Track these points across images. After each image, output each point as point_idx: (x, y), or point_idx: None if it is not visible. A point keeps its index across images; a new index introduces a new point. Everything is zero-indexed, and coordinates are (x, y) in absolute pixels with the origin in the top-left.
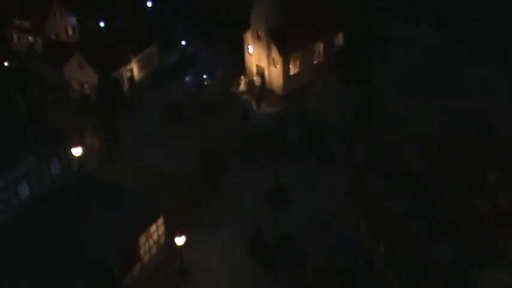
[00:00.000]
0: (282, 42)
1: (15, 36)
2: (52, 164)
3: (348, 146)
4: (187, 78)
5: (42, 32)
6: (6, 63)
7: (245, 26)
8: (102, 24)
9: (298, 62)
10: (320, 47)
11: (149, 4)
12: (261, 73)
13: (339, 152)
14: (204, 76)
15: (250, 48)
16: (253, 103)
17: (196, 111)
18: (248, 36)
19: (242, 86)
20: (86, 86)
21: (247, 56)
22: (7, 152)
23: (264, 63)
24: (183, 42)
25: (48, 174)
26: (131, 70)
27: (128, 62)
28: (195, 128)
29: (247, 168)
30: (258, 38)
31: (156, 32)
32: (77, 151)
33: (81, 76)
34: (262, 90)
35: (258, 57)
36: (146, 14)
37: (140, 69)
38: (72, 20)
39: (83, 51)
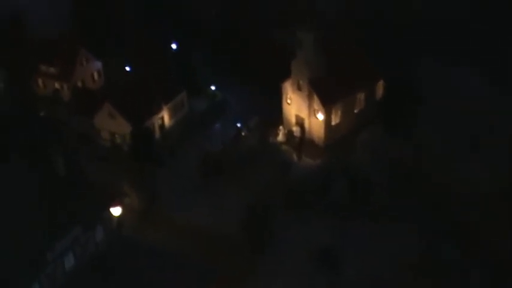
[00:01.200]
0: (324, 93)
1: (40, 82)
2: (96, 229)
3: (398, 201)
4: (219, 126)
5: (68, 79)
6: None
7: (276, 71)
8: (128, 68)
9: (339, 113)
10: (361, 96)
11: (174, 46)
12: (300, 123)
13: (388, 208)
14: (238, 125)
15: (289, 98)
16: (293, 154)
17: (233, 162)
18: (287, 86)
19: (280, 136)
20: (116, 136)
21: (285, 105)
22: (53, 224)
23: (304, 114)
24: (213, 87)
25: (93, 240)
26: (162, 118)
27: (160, 110)
28: (234, 180)
29: (293, 224)
30: (299, 88)
31: (184, 77)
32: (116, 211)
33: (112, 126)
34: (302, 141)
35: (298, 108)
36: (172, 57)
37: (170, 116)
38: (98, 65)
39: (114, 101)
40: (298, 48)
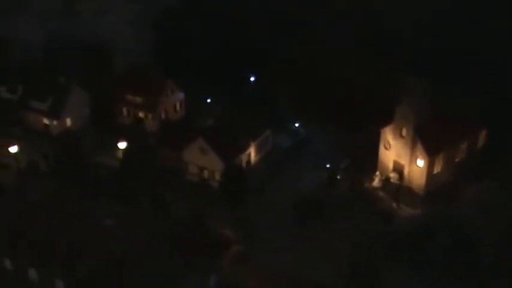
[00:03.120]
0: (429, 141)
1: (125, 110)
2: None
3: (506, 264)
4: (305, 165)
5: (153, 109)
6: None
7: (364, 112)
8: (208, 100)
9: (441, 161)
10: (464, 145)
11: (252, 79)
12: (399, 170)
13: (495, 270)
14: (327, 165)
15: (388, 144)
16: (390, 202)
17: (329, 206)
18: (387, 131)
19: (376, 182)
20: (205, 172)
21: (382, 150)
22: (170, 271)
23: (404, 161)
24: (296, 124)
25: None
26: (249, 155)
27: (248, 146)
28: (331, 226)
29: (392, 278)
30: (401, 135)
31: (267, 111)
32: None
33: (203, 161)
34: (400, 188)
35: (398, 154)
36: (251, 90)
37: (256, 153)
38: (181, 96)
39: (207, 136)
40: (406, 94)
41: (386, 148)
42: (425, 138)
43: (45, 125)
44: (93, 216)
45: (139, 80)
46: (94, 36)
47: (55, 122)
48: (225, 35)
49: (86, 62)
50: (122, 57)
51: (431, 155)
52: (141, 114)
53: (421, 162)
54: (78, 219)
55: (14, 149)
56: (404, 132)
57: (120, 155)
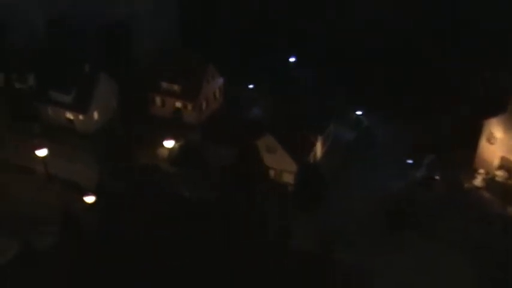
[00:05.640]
0: None
1: (158, 100)
2: None
3: None
4: (378, 161)
5: (194, 98)
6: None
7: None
8: (251, 86)
9: None
10: None
11: (292, 59)
12: (508, 167)
13: None
14: (408, 161)
15: (494, 137)
16: (499, 205)
17: (423, 211)
18: (494, 123)
19: (479, 181)
20: (272, 172)
21: (485, 145)
22: None
23: None
24: (358, 112)
25: None
26: (315, 152)
27: (315, 142)
28: (430, 234)
29: None
30: None
31: (318, 98)
32: None
33: (268, 161)
34: (509, 188)
35: (508, 149)
36: (294, 74)
37: (321, 149)
38: (220, 82)
39: (276, 132)
40: None
41: (491, 142)
42: None
43: (69, 120)
44: None
45: (176, 65)
46: (113, 15)
47: (81, 117)
48: (261, 10)
49: (108, 46)
50: (148, 38)
51: None
52: (178, 104)
53: None
54: None
55: (42, 152)
56: None
57: (164, 153)
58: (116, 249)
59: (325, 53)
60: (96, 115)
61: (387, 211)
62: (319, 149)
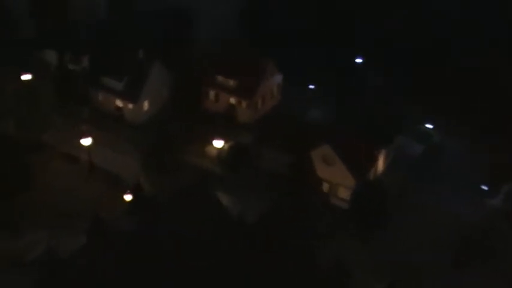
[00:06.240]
0: None
1: (212, 94)
2: None
3: None
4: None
5: (250, 95)
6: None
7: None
8: (311, 86)
9: None
10: None
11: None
12: None
13: None
14: (483, 187)
15: None
16: None
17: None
18: None
19: None
20: (325, 185)
21: None
22: None
23: None
24: (428, 126)
25: None
26: (376, 166)
27: (378, 156)
28: (500, 274)
29: None
30: None
31: (385, 105)
32: None
33: (324, 172)
34: None
35: None
36: (358, 76)
37: (383, 163)
38: (279, 79)
39: (334, 142)
40: None
41: None
42: None
43: (118, 108)
44: None
45: (233, 58)
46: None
47: (130, 106)
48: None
49: (165, 32)
50: (207, 28)
51: None
52: (232, 101)
53: None
54: None
55: (87, 141)
56: None
57: (212, 152)
58: (142, 251)
59: (396, 55)
60: (146, 105)
61: (457, 243)
62: (381, 163)
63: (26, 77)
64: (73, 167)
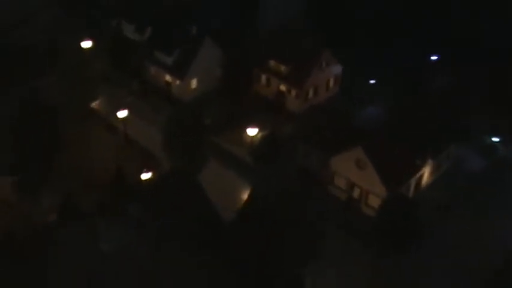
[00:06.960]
0: None
1: (263, 78)
2: None
3: None
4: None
5: (301, 84)
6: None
7: None
8: (372, 81)
9: None
10: None
11: (434, 58)
12: None
13: None
14: None
15: None
16: None
17: None
18: None
19: None
20: (356, 190)
21: None
22: None
23: None
24: (494, 138)
25: None
26: (421, 176)
27: (422, 167)
28: None
29: None
30: None
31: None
32: None
33: (356, 176)
34: None
35: None
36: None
37: (430, 174)
38: (338, 69)
39: (370, 147)
40: None
41: None
42: None
43: (167, 83)
44: None
45: (289, 44)
46: None
47: (178, 82)
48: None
49: (223, 11)
50: (268, 9)
51: None
52: (282, 88)
53: None
54: None
55: (123, 113)
56: None
57: (247, 140)
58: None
59: (473, 55)
60: (194, 83)
61: (497, 272)
62: (426, 176)
63: (86, 44)
64: (110, 137)
